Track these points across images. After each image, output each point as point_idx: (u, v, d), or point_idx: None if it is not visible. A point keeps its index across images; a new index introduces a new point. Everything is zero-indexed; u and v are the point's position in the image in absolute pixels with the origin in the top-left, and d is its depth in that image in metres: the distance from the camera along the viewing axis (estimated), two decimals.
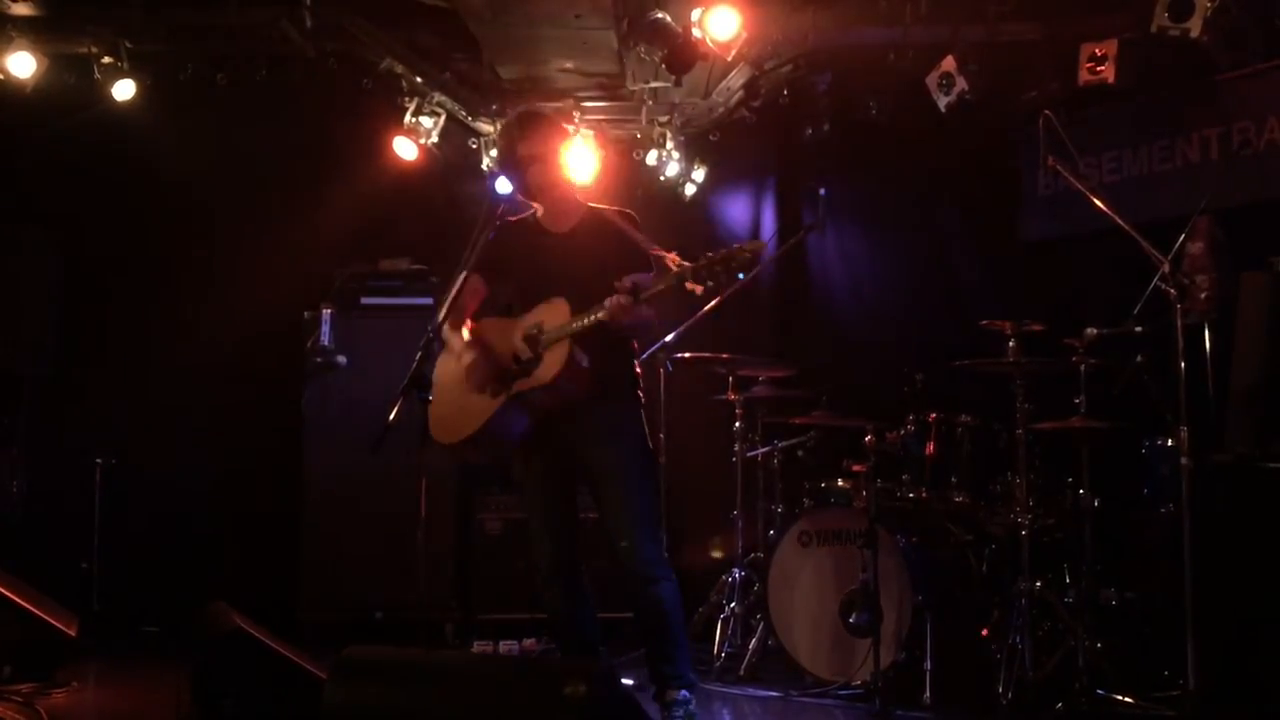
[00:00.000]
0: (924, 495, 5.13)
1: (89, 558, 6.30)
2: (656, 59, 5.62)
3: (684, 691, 3.93)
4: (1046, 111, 4.62)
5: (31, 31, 6.08)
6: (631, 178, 6.80)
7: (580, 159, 6.30)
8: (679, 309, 5.28)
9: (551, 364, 3.85)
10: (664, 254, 3.77)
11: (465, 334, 4.04)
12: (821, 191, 6.02)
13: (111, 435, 6.56)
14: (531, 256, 4.08)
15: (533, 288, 4.03)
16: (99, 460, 6.37)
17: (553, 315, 3.91)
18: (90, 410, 6.67)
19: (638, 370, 4.15)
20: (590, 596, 4.12)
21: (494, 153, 6.66)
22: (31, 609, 4.80)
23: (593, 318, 3.77)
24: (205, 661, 3.75)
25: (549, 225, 4.13)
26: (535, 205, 4.13)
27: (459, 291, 3.98)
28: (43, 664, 4.80)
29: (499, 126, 4.26)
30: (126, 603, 6.28)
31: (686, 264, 3.64)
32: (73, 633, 4.93)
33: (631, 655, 5.20)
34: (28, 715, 4.15)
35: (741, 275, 3.59)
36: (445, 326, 3.99)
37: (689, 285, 3.63)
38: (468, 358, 3.99)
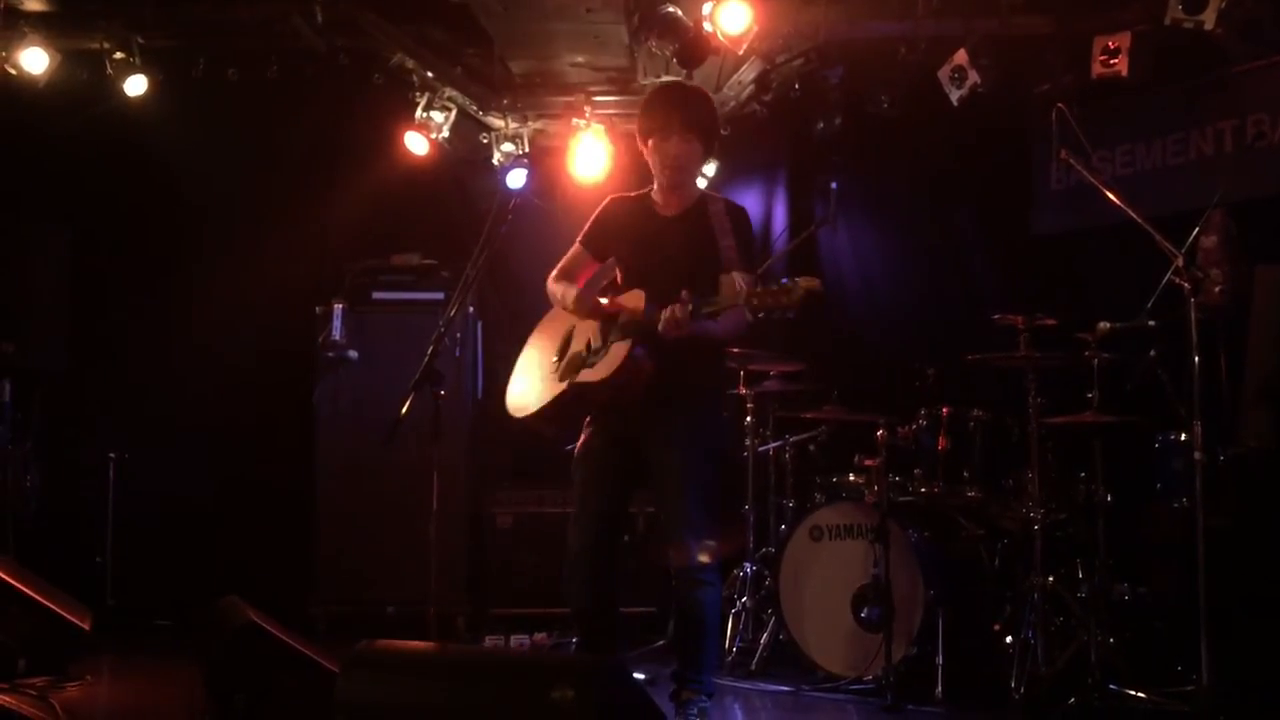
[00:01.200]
0: (936, 490, 5.11)
1: (102, 552, 6.33)
2: (668, 53, 5.61)
3: (702, 697, 3.91)
4: (1059, 105, 4.60)
5: (44, 27, 6.09)
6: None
7: (591, 153, 6.30)
8: None
9: (611, 361, 3.76)
10: (733, 275, 3.69)
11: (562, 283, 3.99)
12: (833, 186, 6.00)
13: (125, 430, 6.58)
14: (636, 236, 3.99)
15: (633, 269, 3.92)
16: (112, 455, 6.40)
17: (629, 307, 3.82)
18: (103, 405, 6.71)
19: (723, 371, 4.07)
20: (615, 590, 4.04)
21: (505, 146, 6.67)
22: (45, 603, 4.82)
23: (651, 321, 3.68)
24: (218, 655, 3.77)
25: (659, 206, 4.04)
26: (654, 183, 4.06)
27: (568, 258, 4.02)
28: (57, 658, 4.82)
29: (659, 95, 4.13)
30: (140, 597, 6.30)
31: (744, 289, 3.55)
32: (86, 627, 4.95)
33: (646, 648, 5.23)
34: (42, 709, 4.16)
35: (792, 315, 3.50)
36: (549, 281, 4.00)
37: (745, 313, 3.56)
38: (551, 332, 3.99)
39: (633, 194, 4.14)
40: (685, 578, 3.86)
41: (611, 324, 3.86)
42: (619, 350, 3.76)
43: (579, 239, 4.13)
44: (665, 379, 3.78)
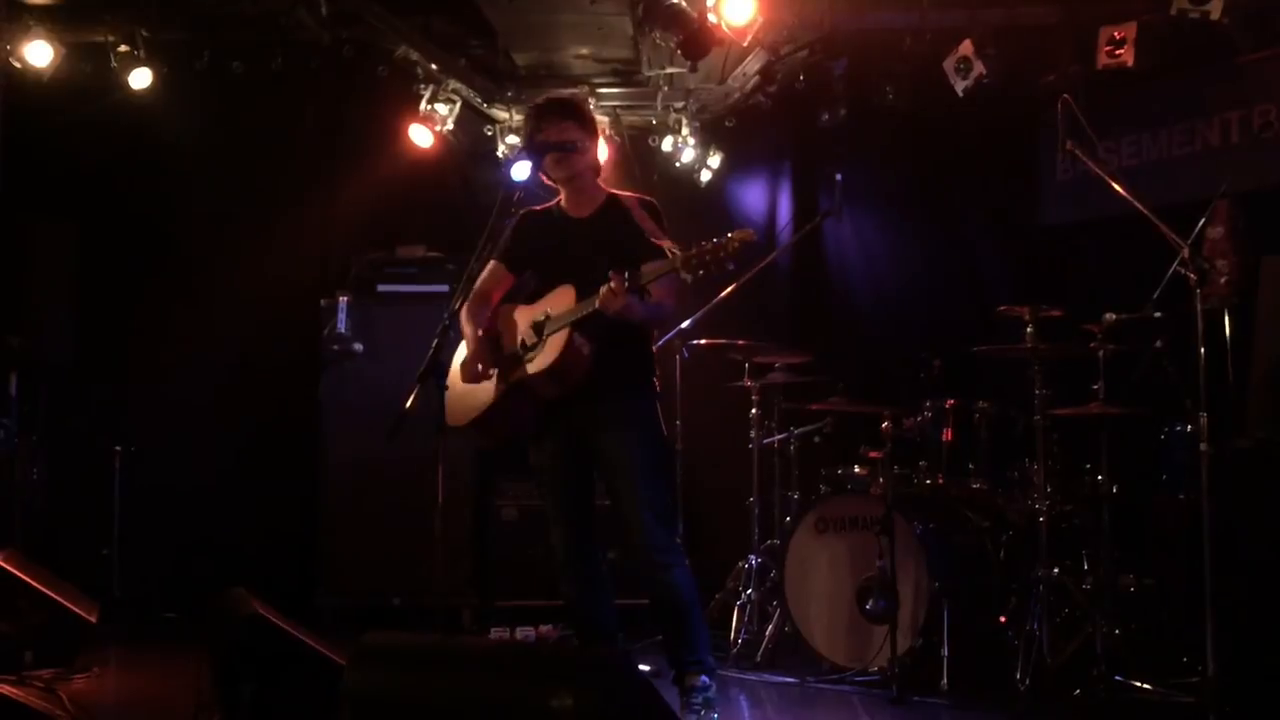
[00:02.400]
0: (941, 481, 5.12)
1: (109, 544, 6.33)
2: (672, 45, 5.59)
3: (704, 677, 3.92)
4: (1065, 95, 4.59)
5: (49, 20, 6.10)
6: (647, 164, 6.79)
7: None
8: (696, 296, 5.27)
9: (550, 351, 3.86)
10: (664, 243, 3.76)
11: (468, 330, 4.07)
12: (838, 177, 5.99)
13: (130, 423, 6.60)
14: (552, 242, 4.08)
15: (552, 273, 4.03)
16: (118, 447, 6.41)
17: (559, 302, 3.92)
18: (109, 398, 6.71)
19: (653, 359, 4.14)
20: (608, 583, 4.12)
21: (510, 139, 6.66)
22: (53, 595, 4.84)
23: (590, 306, 3.77)
24: (224, 647, 3.77)
25: (571, 210, 4.13)
26: (559, 191, 4.13)
27: (482, 279, 4.05)
28: (64, 650, 4.83)
29: (524, 111, 4.25)
30: (146, 589, 6.32)
31: (678, 253, 3.62)
32: (93, 619, 4.97)
33: (650, 641, 5.23)
34: (49, 700, 4.17)
35: (732, 266, 3.56)
36: (462, 312, 4.01)
37: (682, 274, 3.61)
38: (475, 345, 4.03)
39: (540, 207, 4.19)
40: (649, 561, 3.91)
41: (543, 322, 3.95)
42: (558, 340, 3.84)
43: (495, 255, 4.13)
44: (602, 365, 3.87)
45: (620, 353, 3.93)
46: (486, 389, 4.02)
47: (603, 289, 3.70)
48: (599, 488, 4.10)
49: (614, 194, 4.16)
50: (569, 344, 3.81)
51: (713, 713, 3.92)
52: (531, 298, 4.12)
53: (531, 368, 3.91)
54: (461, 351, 4.16)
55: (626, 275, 3.65)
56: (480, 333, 4.05)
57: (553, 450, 4.05)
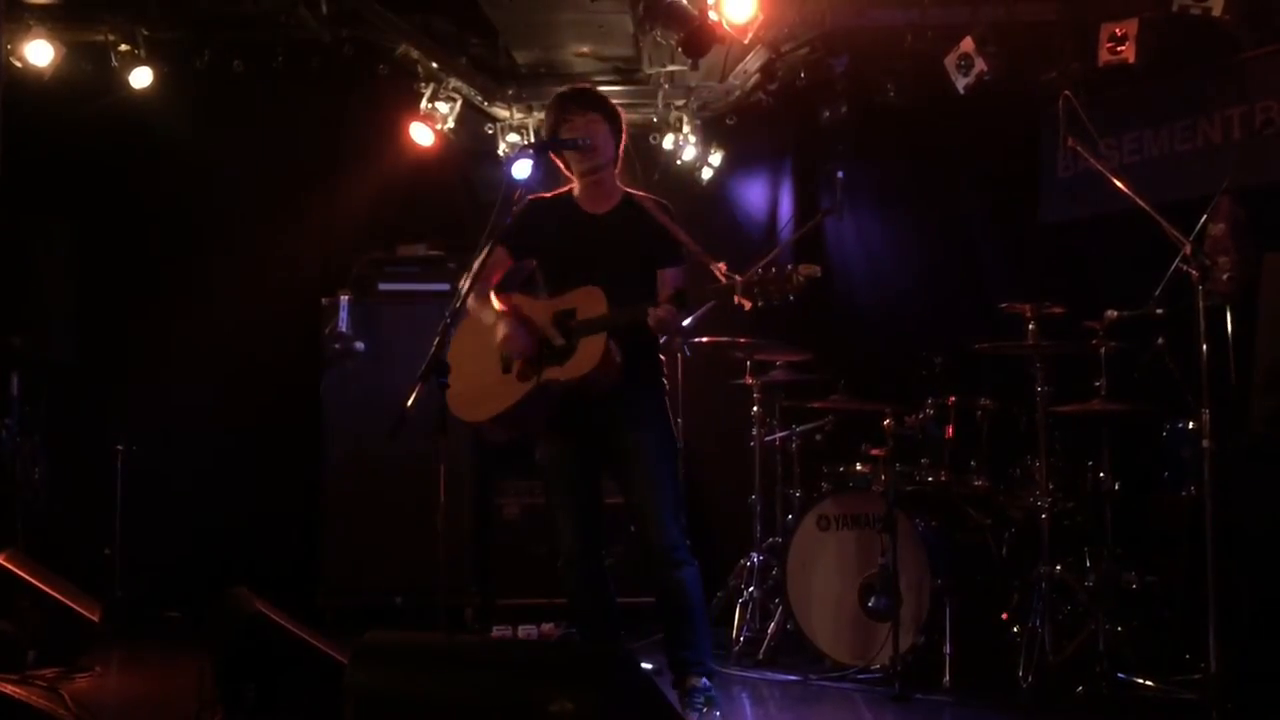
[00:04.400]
0: (943, 479, 5.11)
1: (111, 544, 6.33)
2: (673, 42, 5.60)
3: (704, 680, 3.93)
4: (1066, 92, 4.58)
5: (49, 20, 6.10)
6: (648, 162, 6.79)
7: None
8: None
9: (587, 357, 3.81)
10: (710, 261, 3.71)
11: (496, 306, 3.98)
12: (839, 174, 5.99)
13: (132, 422, 6.59)
14: (565, 235, 4.02)
15: (565, 268, 3.97)
16: (120, 446, 6.40)
17: (589, 304, 3.85)
18: (111, 397, 6.71)
19: (661, 357, 4.13)
20: (610, 582, 4.11)
21: (510, 137, 6.66)
22: (55, 595, 4.85)
23: (634, 318, 3.73)
24: (227, 646, 3.77)
25: (585, 205, 4.06)
26: (571, 184, 4.09)
27: (482, 262, 3.98)
28: (67, 649, 4.84)
29: (550, 101, 4.19)
30: (149, 588, 6.31)
31: (737, 277, 3.57)
32: (96, 618, 4.98)
33: (652, 639, 5.22)
34: (52, 700, 4.17)
35: (792, 299, 3.51)
36: (470, 297, 3.91)
37: (738, 299, 3.58)
38: (500, 332, 3.93)
39: (549, 194, 4.13)
40: (662, 559, 3.90)
41: (571, 324, 3.88)
42: (594, 346, 3.79)
43: (498, 239, 3.96)
44: (628, 369, 3.85)
45: (638, 353, 3.90)
46: (506, 386, 3.94)
47: (653, 312, 3.68)
48: (608, 487, 4.08)
49: (630, 192, 4.10)
50: (606, 352, 3.77)
51: (715, 710, 3.92)
52: (553, 293, 4.01)
53: (563, 373, 3.84)
54: (466, 339, 4.06)
55: (681, 299, 3.64)
56: (506, 310, 3.96)
57: (564, 447, 4.02)
